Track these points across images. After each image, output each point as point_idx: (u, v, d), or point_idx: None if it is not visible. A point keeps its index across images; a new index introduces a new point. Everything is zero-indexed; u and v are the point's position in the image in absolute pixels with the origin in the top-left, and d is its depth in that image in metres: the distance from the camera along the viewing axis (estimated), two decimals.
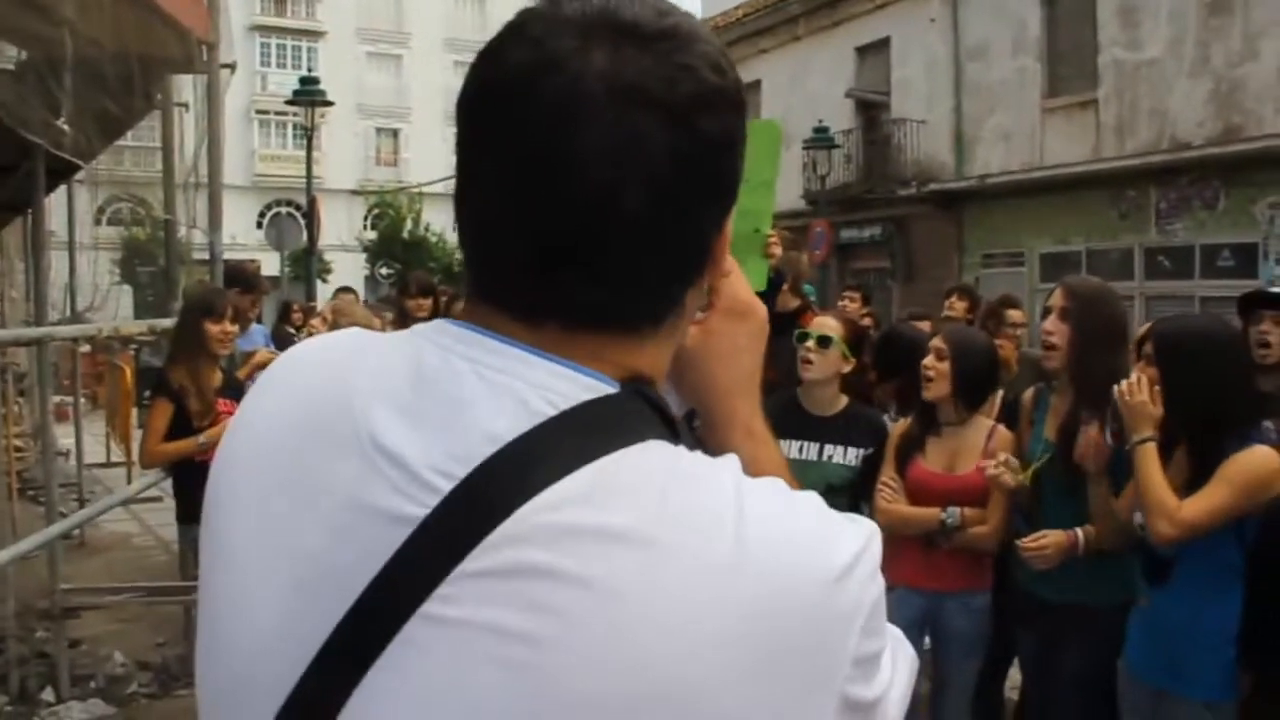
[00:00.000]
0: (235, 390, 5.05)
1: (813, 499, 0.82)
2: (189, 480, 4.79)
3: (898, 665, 0.82)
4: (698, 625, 0.71)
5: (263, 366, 6.19)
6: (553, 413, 0.76)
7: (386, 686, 0.73)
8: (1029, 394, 3.94)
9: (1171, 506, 2.92)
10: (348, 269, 34.11)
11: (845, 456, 3.88)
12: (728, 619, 0.71)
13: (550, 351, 0.80)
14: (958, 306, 6.53)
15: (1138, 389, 3.07)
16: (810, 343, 3.87)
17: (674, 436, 0.81)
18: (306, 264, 17.74)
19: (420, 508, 0.74)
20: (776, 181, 4.18)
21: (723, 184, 0.84)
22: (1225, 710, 2.91)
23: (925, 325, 6.06)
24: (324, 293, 18.69)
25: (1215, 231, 15.92)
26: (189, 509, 4.84)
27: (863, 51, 22.84)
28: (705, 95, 0.79)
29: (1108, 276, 12.72)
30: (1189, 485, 3.01)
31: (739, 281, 0.98)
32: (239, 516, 0.84)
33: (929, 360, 3.81)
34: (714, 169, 0.81)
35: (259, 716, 0.77)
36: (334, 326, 4.81)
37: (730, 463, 0.81)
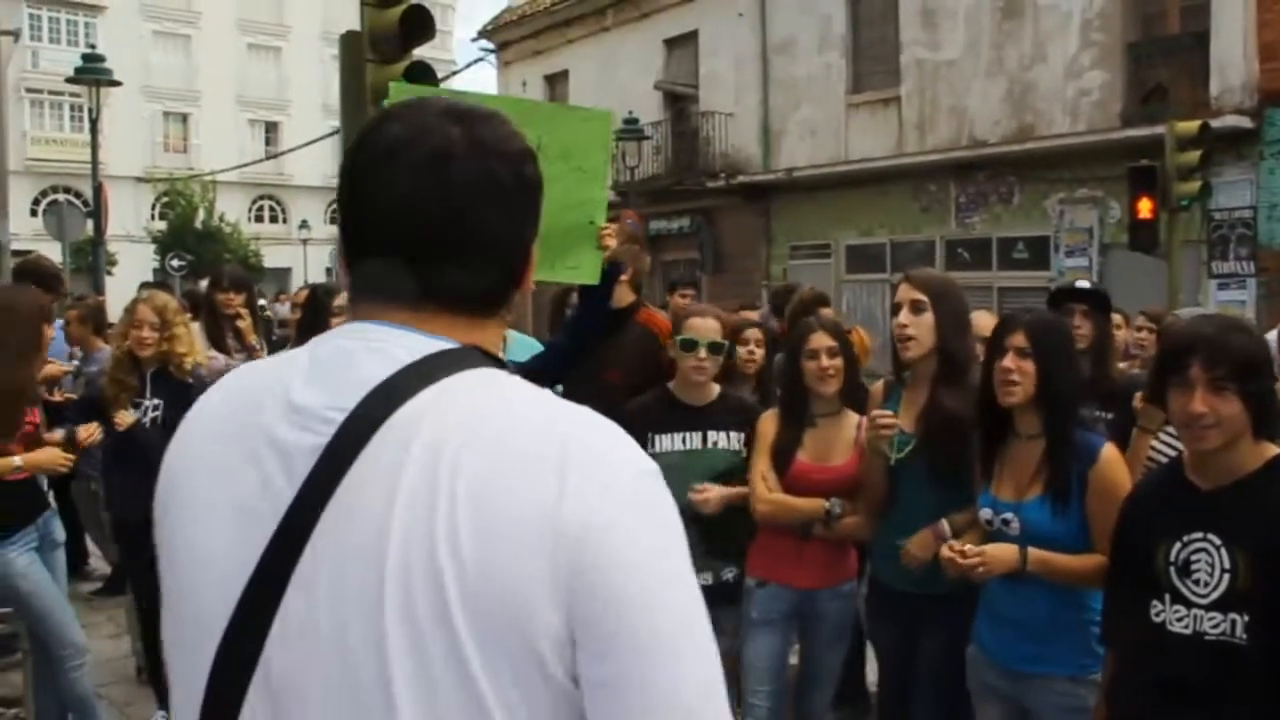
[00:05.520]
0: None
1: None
2: None
3: None
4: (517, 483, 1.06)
5: (55, 379, 5.61)
6: (411, 360, 1.12)
7: (321, 547, 1.07)
8: (879, 386, 3.93)
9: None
10: (135, 261, 32.40)
11: (729, 441, 3.92)
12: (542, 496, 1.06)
13: (424, 326, 1.16)
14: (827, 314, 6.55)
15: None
16: (702, 351, 3.86)
17: (502, 369, 1.19)
18: (94, 255, 16.56)
19: (321, 437, 1.09)
20: (608, 170, 3.94)
21: (537, 210, 1.24)
22: (1089, 683, 2.98)
23: (754, 316, 6.02)
24: (111, 287, 17.57)
25: (1010, 225, 16.75)
26: None
27: (671, 44, 23.04)
28: (526, 150, 1.22)
29: (910, 267, 13.16)
30: (1046, 470, 3.07)
31: None
32: (192, 484, 1.17)
33: (826, 360, 3.78)
34: (534, 199, 1.23)
35: (217, 622, 1.09)
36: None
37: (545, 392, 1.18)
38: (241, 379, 1.24)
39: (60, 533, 4.58)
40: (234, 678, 1.07)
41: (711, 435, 3.90)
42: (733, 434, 3.92)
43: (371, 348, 1.13)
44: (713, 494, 3.76)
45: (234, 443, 1.14)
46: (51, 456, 4.27)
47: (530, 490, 1.04)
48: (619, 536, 1.05)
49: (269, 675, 1.07)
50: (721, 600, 3.79)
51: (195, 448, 1.19)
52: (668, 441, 3.84)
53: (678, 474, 3.68)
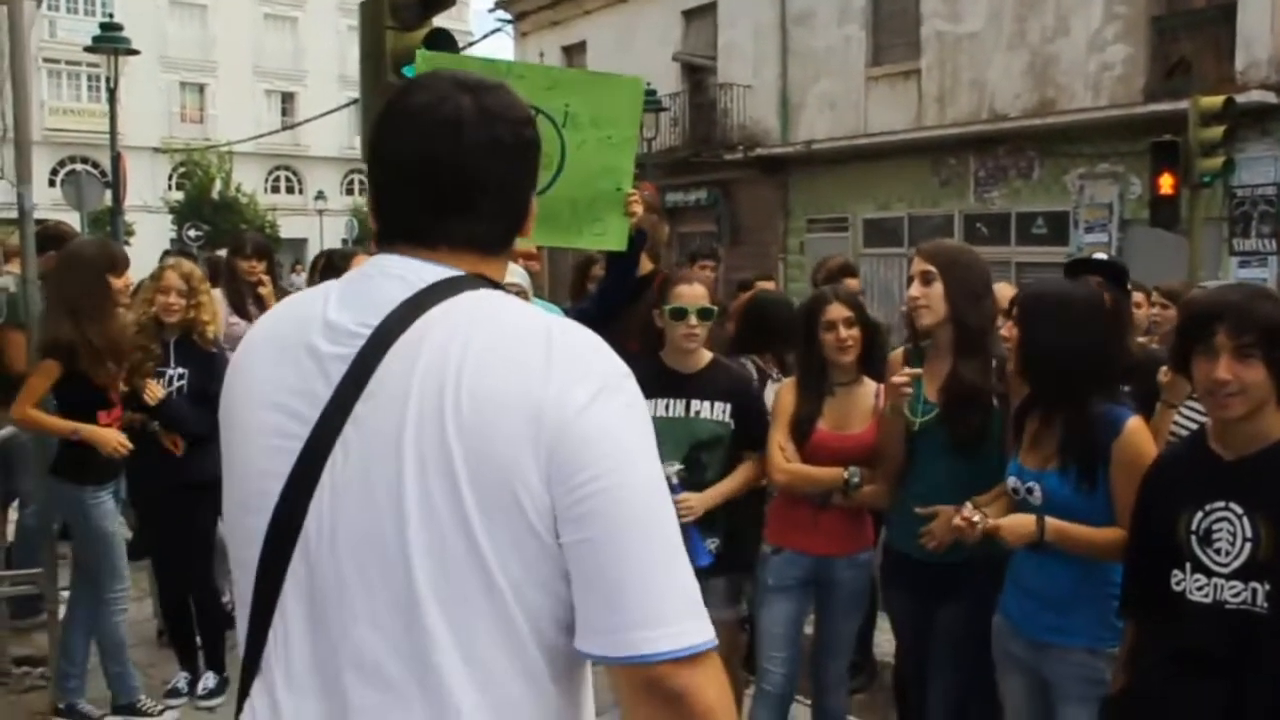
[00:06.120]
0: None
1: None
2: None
3: None
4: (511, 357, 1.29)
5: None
6: (424, 284, 1.34)
7: (351, 436, 1.30)
8: (898, 354, 3.93)
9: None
10: (152, 231, 32.43)
11: (713, 411, 3.88)
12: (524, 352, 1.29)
13: (437, 260, 1.37)
14: (852, 285, 6.53)
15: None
16: (693, 318, 3.83)
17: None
18: (112, 225, 16.61)
19: (350, 348, 1.31)
20: (637, 139, 3.90)
21: (535, 168, 1.46)
22: (1106, 656, 2.97)
23: (770, 286, 6.00)
24: (129, 256, 17.59)
25: (1030, 200, 16.65)
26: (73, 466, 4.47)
27: (689, 15, 22.90)
28: (527, 116, 1.44)
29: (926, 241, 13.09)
30: (1062, 447, 3.04)
31: None
32: (248, 387, 1.40)
33: (844, 331, 3.80)
34: (533, 158, 1.45)
35: (268, 498, 1.32)
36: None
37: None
38: (291, 303, 1.49)
39: (124, 491, 4.83)
40: (281, 544, 1.31)
41: (695, 404, 3.86)
42: (719, 404, 3.88)
43: (392, 275, 1.35)
44: (693, 502, 3.75)
45: (282, 353, 1.37)
46: (109, 435, 4.36)
47: (521, 375, 1.25)
48: (595, 418, 1.25)
49: (308, 540, 1.31)
50: (707, 571, 3.79)
51: (252, 358, 1.42)
52: (651, 408, 3.78)
53: (657, 441, 3.66)
